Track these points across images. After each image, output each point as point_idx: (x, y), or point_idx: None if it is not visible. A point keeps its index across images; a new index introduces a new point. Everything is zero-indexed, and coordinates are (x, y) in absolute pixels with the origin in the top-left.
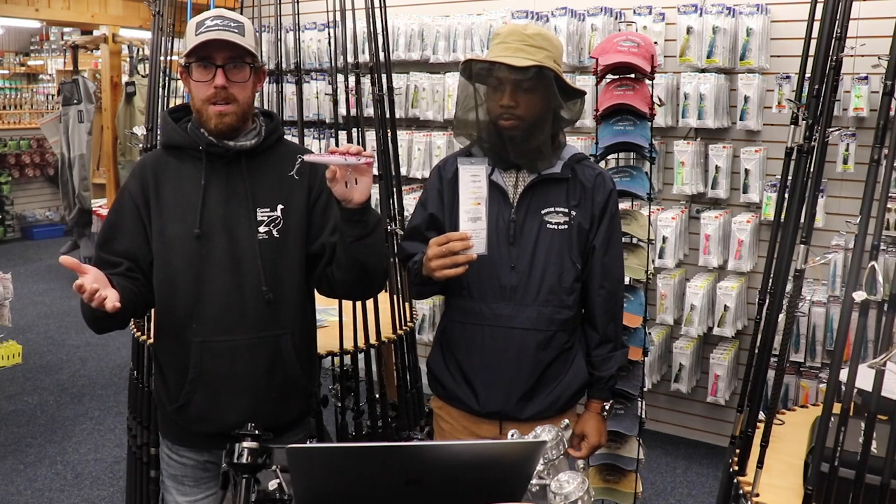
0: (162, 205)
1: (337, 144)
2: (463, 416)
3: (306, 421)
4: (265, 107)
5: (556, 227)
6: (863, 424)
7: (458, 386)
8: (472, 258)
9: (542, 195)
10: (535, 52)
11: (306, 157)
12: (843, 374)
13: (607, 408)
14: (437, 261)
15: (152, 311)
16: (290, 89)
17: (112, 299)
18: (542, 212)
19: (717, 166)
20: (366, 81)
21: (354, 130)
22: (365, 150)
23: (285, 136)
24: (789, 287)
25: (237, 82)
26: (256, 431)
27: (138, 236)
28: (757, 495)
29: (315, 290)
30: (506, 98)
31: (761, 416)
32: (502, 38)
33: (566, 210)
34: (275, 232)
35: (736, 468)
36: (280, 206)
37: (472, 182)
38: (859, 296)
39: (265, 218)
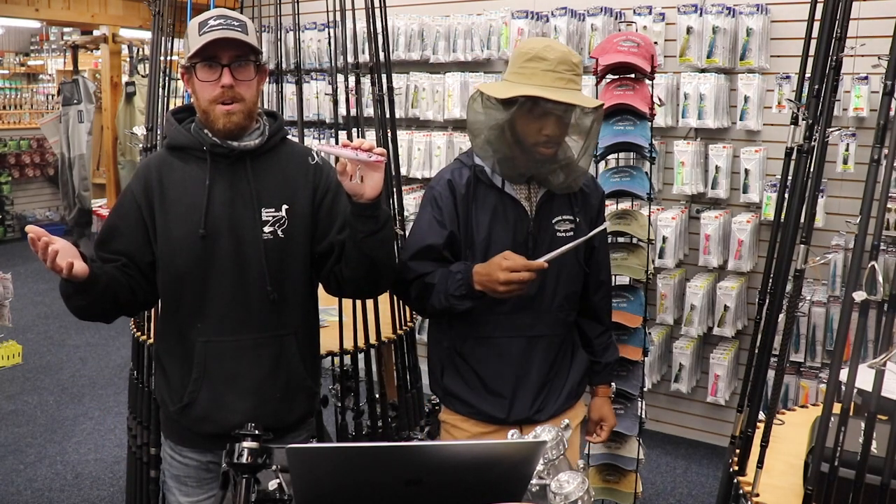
0: (166, 206)
1: (337, 144)
2: (483, 427)
3: (309, 422)
4: (265, 107)
5: (564, 234)
6: (863, 424)
7: (483, 400)
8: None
9: (552, 205)
10: (579, 80)
11: (318, 147)
12: (843, 374)
13: (613, 390)
14: (513, 286)
15: (153, 311)
16: (290, 89)
17: (69, 267)
18: (553, 221)
19: (717, 166)
20: (366, 81)
21: (354, 130)
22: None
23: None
24: (789, 287)
25: (243, 81)
26: (256, 431)
27: (138, 237)
28: (757, 495)
29: (319, 290)
30: (550, 128)
31: (761, 416)
32: (551, 65)
33: (572, 217)
34: (280, 232)
35: (736, 468)
36: (285, 207)
37: None
38: (859, 296)
39: (270, 218)
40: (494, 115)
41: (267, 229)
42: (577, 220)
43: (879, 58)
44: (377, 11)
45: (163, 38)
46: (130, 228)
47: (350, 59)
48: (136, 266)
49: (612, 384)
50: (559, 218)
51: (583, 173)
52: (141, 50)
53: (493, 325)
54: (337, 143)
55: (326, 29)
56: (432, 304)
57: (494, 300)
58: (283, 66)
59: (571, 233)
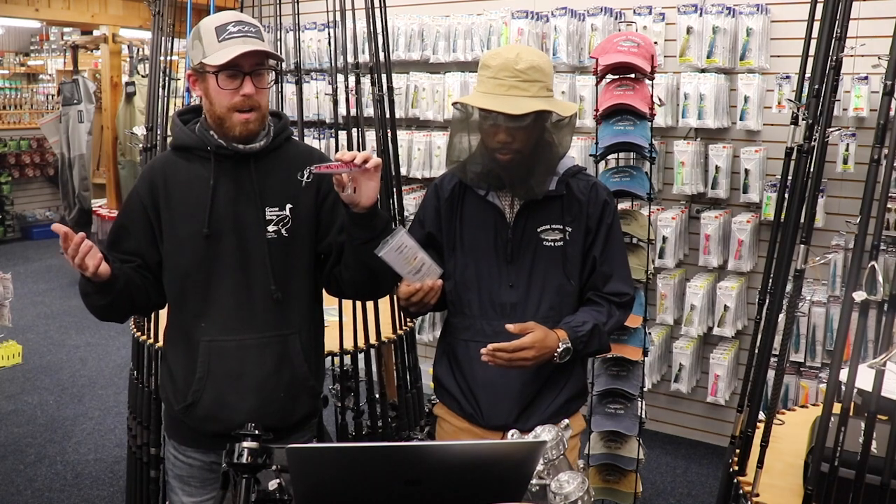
0: (172, 206)
1: (337, 144)
2: (467, 425)
3: (312, 422)
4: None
5: (552, 244)
6: (863, 424)
7: (464, 399)
8: (438, 286)
9: (538, 213)
10: (528, 86)
11: (314, 170)
12: (843, 374)
13: (560, 351)
14: (413, 308)
15: (154, 311)
16: (290, 89)
17: (95, 267)
18: (539, 230)
19: (717, 166)
20: (366, 81)
21: (354, 130)
22: (365, 150)
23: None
24: (789, 287)
25: (261, 88)
26: (256, 431)
27: (146, 237)
28: (757, 495)
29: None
30: (501, 135)
31: (761, 416)
32: (493, 72)
33: (561, 227)
34: (283, 231)
35: (736, 468)
36: (289, 206)
37: (400, 253)
38: (859, 296)
39: (274, 217)
40: (461, 123)
41: (271, 228)
42: (569, 229)
43: (879, 58)
44: (377, 11)
45: (163, 38)
46: (138, 229)
47: (350, 59)
48: (147, 266)
49: (565, 344)
50: (546, 227)
51: (540, 182)
52: (141, 50)
53: (475, 330)
54: (337, 147)
55: (326, 29)
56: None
57: (479, 306)
58: (283, 66)
59: (560, 242)
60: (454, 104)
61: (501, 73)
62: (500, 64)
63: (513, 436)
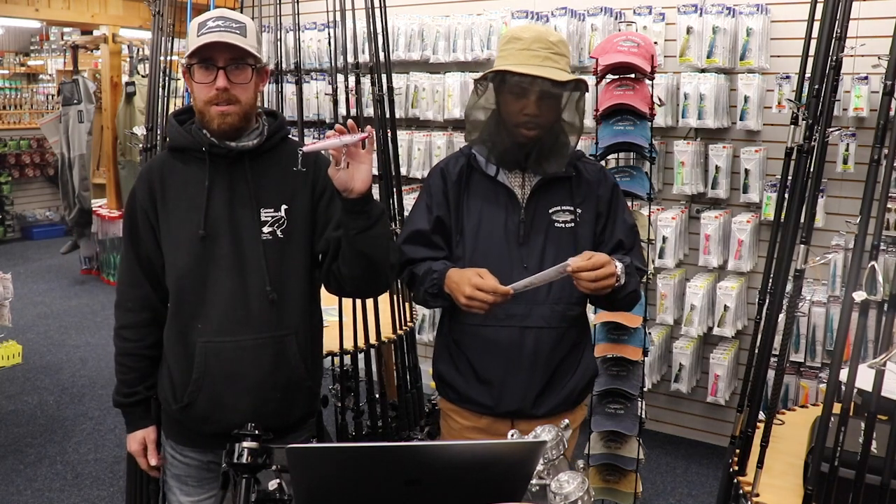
0: (168, 207)
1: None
2: (476, 417)
3: (310, 422)
4: (265, 107)
5: (563, 225)
6: (863, 424)
7: (472, 388)
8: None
9: (549, 194)
10: (559, 59)
11: (305, 148)
12: (843, 374)
13: (622, 274)
14: (475, 303)
15: None
16: (290, 89)
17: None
18: (550, 211)
19: (717, 166)
20: (366, 81)
21: None
22: (365, 146)
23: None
24: (789, 287)
25: (239, 83)
26: (256, 431)
27: (151, 240)
28: (757, 495)
29: (321, 290)
30: (531, 107)
31: (761, 416)
32: (526, 43)
33: (572, 208)
34: (279, 232)
35: (736, 468)
36: (284, 207)
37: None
38: (859, 296)
39: (269, 218)
40: (479, 99)
41: (266, 230)
42: (579, 211)
43: (879, 58)
44: (377, 11)
45: (163, 38)
46: (144, 233)
47: (350, 59)
48: (159, 275)
49: (623, 277)
50: (557, 208)
51: (565, 154)
52: (141, 50)
53: (486, 314)
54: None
55: (326, 29)
56: (415, 296)
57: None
58: (283, 66)
59: (571, 224)
60: (481, 78)
61: (535, 45)
62: (534, 36)
63: (513, 436)
